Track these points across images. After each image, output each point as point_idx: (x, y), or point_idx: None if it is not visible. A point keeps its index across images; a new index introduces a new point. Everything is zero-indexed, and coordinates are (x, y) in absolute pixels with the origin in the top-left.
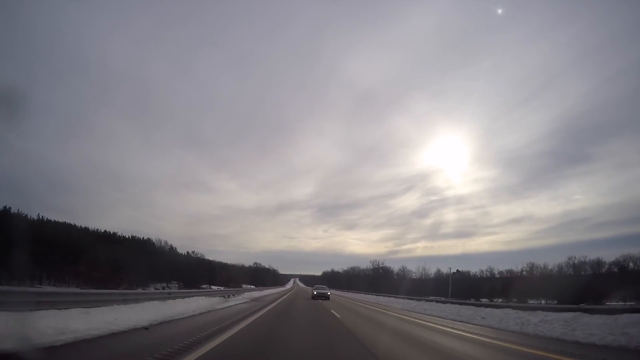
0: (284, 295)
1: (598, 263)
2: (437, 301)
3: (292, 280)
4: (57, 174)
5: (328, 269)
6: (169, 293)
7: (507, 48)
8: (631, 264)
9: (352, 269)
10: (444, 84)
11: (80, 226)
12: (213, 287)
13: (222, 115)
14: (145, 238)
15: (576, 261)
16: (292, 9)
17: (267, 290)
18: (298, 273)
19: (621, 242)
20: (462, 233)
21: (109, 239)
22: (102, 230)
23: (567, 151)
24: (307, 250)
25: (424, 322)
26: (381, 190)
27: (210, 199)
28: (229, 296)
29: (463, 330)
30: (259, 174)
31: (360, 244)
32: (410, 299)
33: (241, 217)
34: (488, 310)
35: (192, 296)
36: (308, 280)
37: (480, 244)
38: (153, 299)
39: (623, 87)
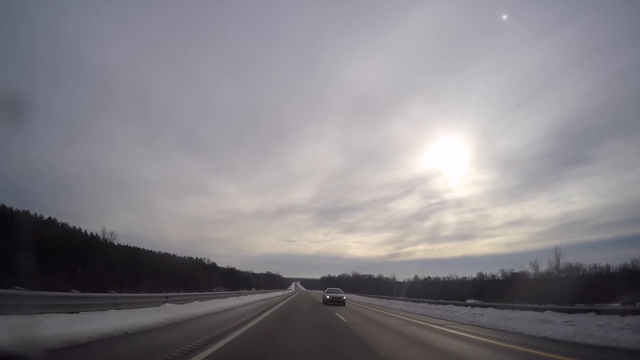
0: (287, 298)
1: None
2: (385, 298)
3: (293, 284)
4: (58, 177)
5: (328, 273)
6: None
7: (505, 50)
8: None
9: (342, 275)
10: (441, 87)
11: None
12: (244, 289)
13: (221, 120)
14: (198, 258)
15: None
16: (290, 14)
17: (280, 291)
18: (299, 277)
19: (621, 243)
20: (462, 236)
21: (178, 260)
22: (172, 254)
23: (565, 153)
24: (308, 254)
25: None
26: (380, 193)
27: (210, 203)
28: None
29: (379, 307)
30: (258, 177)
31: (360, 247)
32: (371, 296)
33: (241, 221)
34: (401, 302)
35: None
36: (309, 283)
37: (480, 247)
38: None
39: (622, 88)
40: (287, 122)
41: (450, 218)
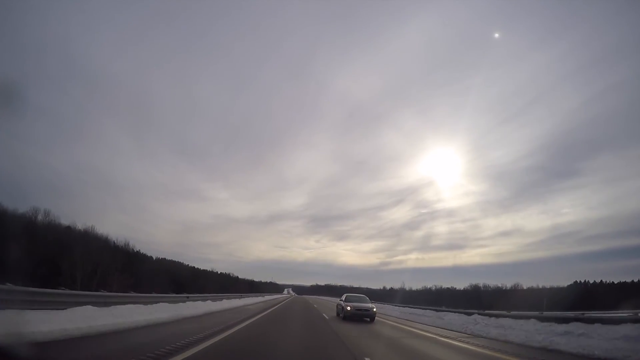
0: (287, 299)
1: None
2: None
3: (286, 290)
4: (52, 177)
5: (319, 280)
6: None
7: (496, 64)
8: None
9: (327, 284)
10: (433, 99)
11: (186, 264)
12: (250, 294)
13: (215, 126)
14: (226, 272)
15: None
16: (285, 25)
17: (280, 294)
18: (290, 283)
19: (611, 255)
20: (453, 245)
21: (217, 274)
22: (194, 267)
23: (556, 166)
24: (300, 261)
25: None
26: (372, 202)
27: (203, 208)
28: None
29: None
30: (251, 184)
31: (352, 254)
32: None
33: (233, 226)
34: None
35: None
36: (300, 290)
37: (471, 257)
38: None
39: (612, 102)
40: (281, 130)
41: (441, 228)
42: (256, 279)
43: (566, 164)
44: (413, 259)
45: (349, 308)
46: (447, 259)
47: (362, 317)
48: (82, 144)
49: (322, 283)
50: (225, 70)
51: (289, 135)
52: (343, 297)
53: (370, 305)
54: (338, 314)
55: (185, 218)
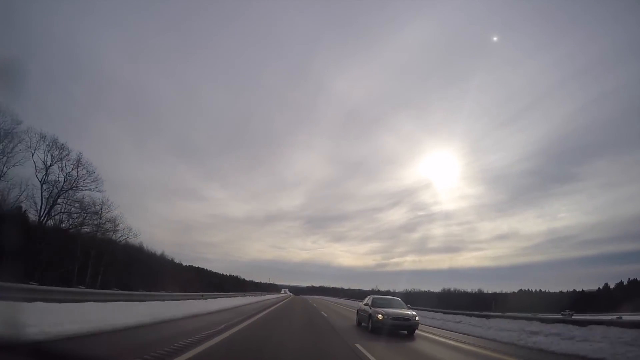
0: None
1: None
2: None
3: (283, 290)
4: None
5: (315, 282)
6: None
7: (493, 69)
8: None
9: (321, 286)
10: (430, 103)
11: (209, 269)
12: (256, 292)
13: (214, 126)
14: (235, 275)
15: None
16: (284, 29)
17: (279, 293)
18: (287, 284)
19: (606, 260)
20: (450, 248)
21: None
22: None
23: (551, 170)
24: (296, 261)
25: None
26: (369, 204)
27: (201, 207)
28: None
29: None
30: (249, 184)
31: (348, 256)
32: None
33: (231, 226)
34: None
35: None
36: (296, 290)
37: (467, 259)
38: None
39: (609, 108)
40: (278, 131)
41: (437, 230)
42: (255, 280)
43: (562, 169)
44: (409, 261)
45: (380, 316)
46: (444, 261)
47: (400, 328)
48: (79, 141)
49: (317, 285)
50: (226, 72)
51: (288, 137)
52: (368, 301)
53: (409, 312)
54: (359, 323)
55: (183, 217)
